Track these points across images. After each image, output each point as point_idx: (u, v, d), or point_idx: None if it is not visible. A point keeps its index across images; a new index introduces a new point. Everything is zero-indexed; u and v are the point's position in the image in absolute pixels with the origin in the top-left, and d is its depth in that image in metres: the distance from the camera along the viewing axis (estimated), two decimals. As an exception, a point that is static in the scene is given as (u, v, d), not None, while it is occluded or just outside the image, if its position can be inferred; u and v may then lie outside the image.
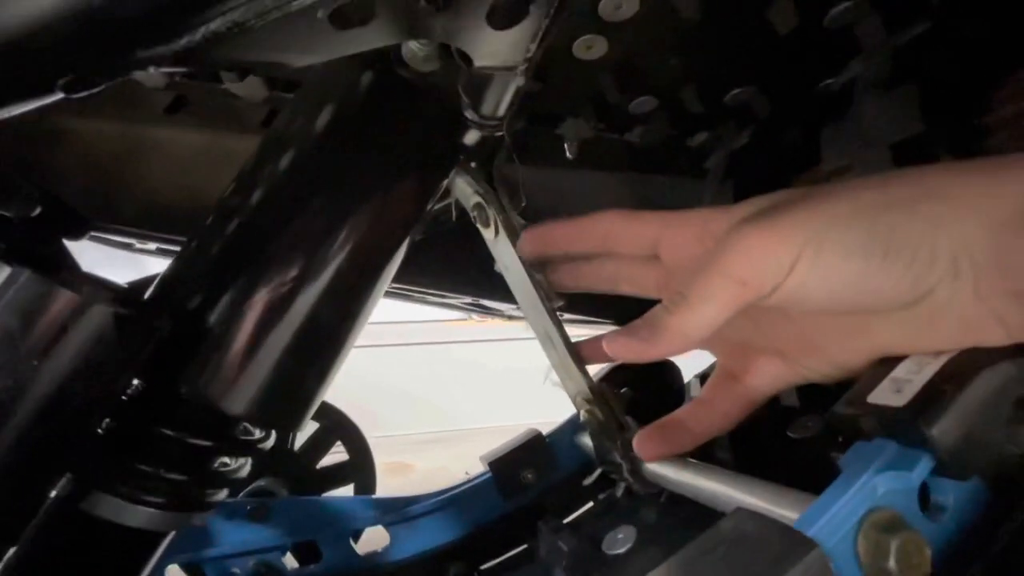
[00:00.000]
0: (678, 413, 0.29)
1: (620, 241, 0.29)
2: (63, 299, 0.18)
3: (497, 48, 0.22)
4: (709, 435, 0.28)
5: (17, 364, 0.17)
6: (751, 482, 0.25)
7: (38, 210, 0.24)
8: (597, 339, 0.33)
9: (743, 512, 0.20)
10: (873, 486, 0.19)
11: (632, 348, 0.23)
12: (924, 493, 0.20)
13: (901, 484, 0.19)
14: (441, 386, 2.43)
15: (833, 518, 0.18)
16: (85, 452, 0.21)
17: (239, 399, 0.25)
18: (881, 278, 0.19)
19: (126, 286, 0.33)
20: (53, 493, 0.20)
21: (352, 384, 0.34)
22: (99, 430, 0.22)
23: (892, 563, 0.18)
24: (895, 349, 0.22)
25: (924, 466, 0.19)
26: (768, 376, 0.27)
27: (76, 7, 0.13)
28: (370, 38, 0.19)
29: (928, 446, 0.19)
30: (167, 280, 0.28)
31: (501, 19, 0.20)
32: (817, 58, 0.37)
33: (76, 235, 0.27)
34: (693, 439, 0.28)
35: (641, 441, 0.29)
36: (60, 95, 0.16)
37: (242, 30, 0.15)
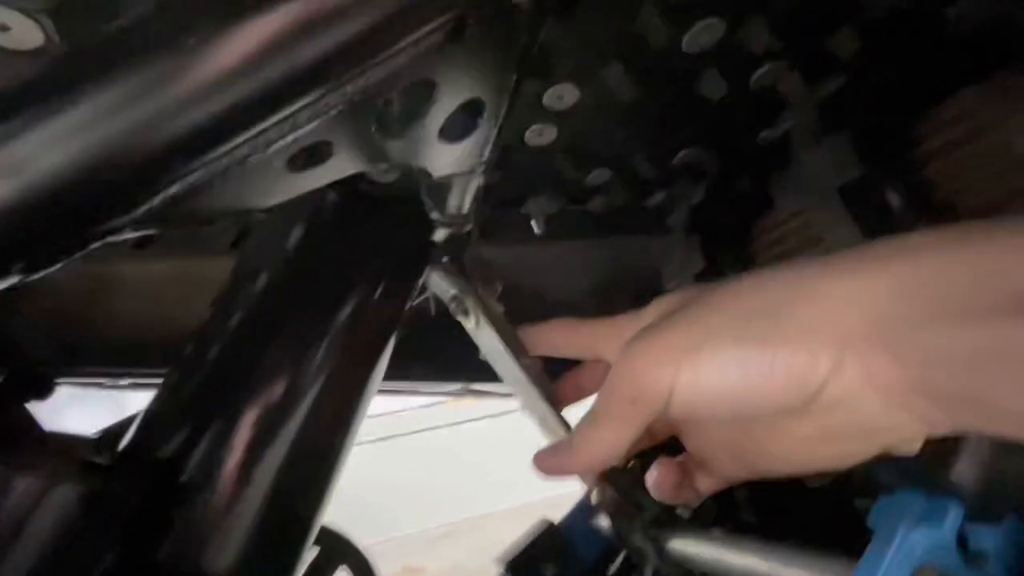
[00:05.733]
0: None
1: (567, 350, 0.31)
2: (22, 489, 0.16)
3: (453, 159, 0.23)
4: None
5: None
6: (785, 552, 0.24)
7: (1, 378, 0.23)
8: (571, 377, 0.33)
9: (785, 597, 0.18)
10: (910, 545, 0.18)
11: (554, 466, 0.26)
12: (962, 542, 0.19)
13: (938, 538, 0.18)
14: (444, 473, 2.32)
15: (879, 588, 0.17)
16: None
17: (226, 555, 0.23)
18: (761, 385, 0.19)
19: (98, 436, 0.31)
20: None
21: (346, 485, 0.32)
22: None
23: (951, 630, 0.17)
24: (814, 451, 0.21)
25: (955, 514, 0.18)
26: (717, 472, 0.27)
27: (24, 200, 0.13)
28: (330, 173, 0.19)
29: (953, 492, 0.18)
30: (143, 426, 0.26)
31: (453, 134, 0.21)
32: (750, 115, 0.40)
33: (42, 396, 0.26)
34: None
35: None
36: (16, 279, 0.15)
37: (202, 188, 0.15)
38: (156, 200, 0.15)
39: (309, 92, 0.15)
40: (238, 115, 0.14)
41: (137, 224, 0.15)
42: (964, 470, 0.18)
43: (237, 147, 0.15)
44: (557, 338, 0.31)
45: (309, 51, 0.14)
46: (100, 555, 0.19)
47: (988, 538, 0.19)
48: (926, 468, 0.18)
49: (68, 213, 0.14)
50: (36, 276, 0.15)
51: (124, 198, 0.15)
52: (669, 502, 0.27)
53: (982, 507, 0.18)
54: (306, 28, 0.14)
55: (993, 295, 0.15)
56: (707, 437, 0.27)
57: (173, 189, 0.15)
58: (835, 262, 0.19)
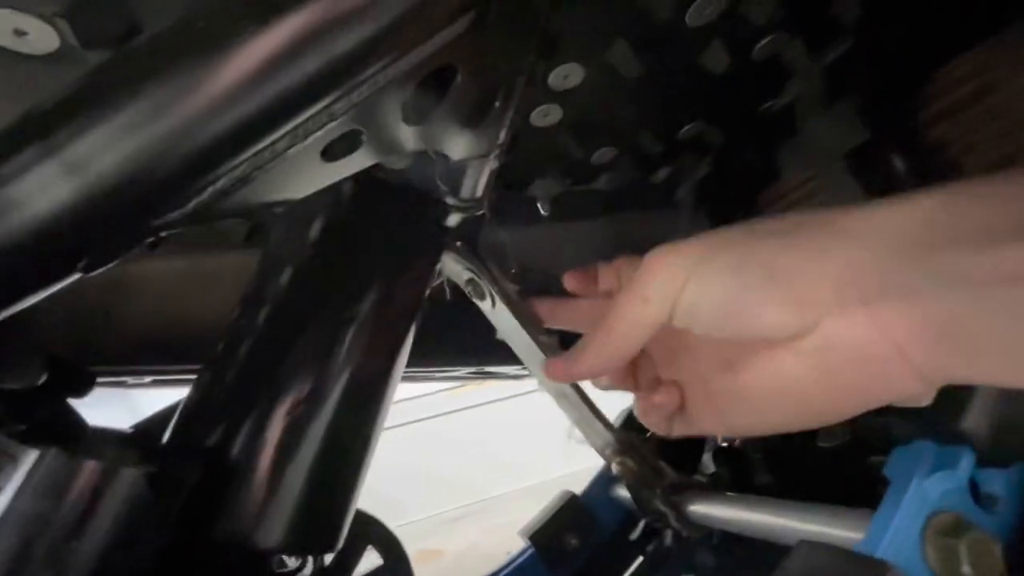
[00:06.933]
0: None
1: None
2: (92, 472, 0.17)
3: (472, 142, 0.24)
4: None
5: (56, 550, 0.17)
6: (801, 508, 0.25)
7: (44, 377, 0.24)
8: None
9: (807, 545, 0.19)
10: (925, 491, 0.19)
11: (560, 370, 0.26)
12: (974, 486, 0.20)
13: (951, 483, 0.19)
14: (455, 458, 2.35)
15: (897, 533, 0.18)
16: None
17: (274, 530, 0.24)
18: (762, 300, 0.20)
19: (132, 431, 0.32)
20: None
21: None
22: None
23: (967, 567, 0.18)
24: (803, 396, 0.21)
25: (967, 460, 0.19)
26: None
27: (88, 196, 0.14)
28: (358, 163, 0.20)
29: (965, 440, 0.19)
30: (184, 419, 0.27)
31: (473, 118, 0.22)
32: (754, 86, 0.40)
33: (83, 392, 0.27)
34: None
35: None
36: (78, 275, 0.16)
37: (245, 182, 0.16)
38: (206, 194, 0.16)
39: (344, 83, 0.16)
40: (281, 108, 0.15)
41: (188, 218, 0.16)
42: (975, 418, 0.19)
43: (278, 140, 0.16)
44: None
45: (346, 43, 0.15)
46: (164, 532, 0.20)
47: (998, 482, 0.20)
48: (939, 418, 0.19)
49: (128, 208, 0.15)
50: (97, 272, 0.16)
51: (178, 192, 0.15)
52: (645, 420, 0.28)
53: (993, 453, 0.19)
54: (344, 20, 0.14)
55: (996, 225, 0.16)
56: (696, 374, 0.26)
57: (221, 183, 0.16)
58: (867, 205, 0.20)
